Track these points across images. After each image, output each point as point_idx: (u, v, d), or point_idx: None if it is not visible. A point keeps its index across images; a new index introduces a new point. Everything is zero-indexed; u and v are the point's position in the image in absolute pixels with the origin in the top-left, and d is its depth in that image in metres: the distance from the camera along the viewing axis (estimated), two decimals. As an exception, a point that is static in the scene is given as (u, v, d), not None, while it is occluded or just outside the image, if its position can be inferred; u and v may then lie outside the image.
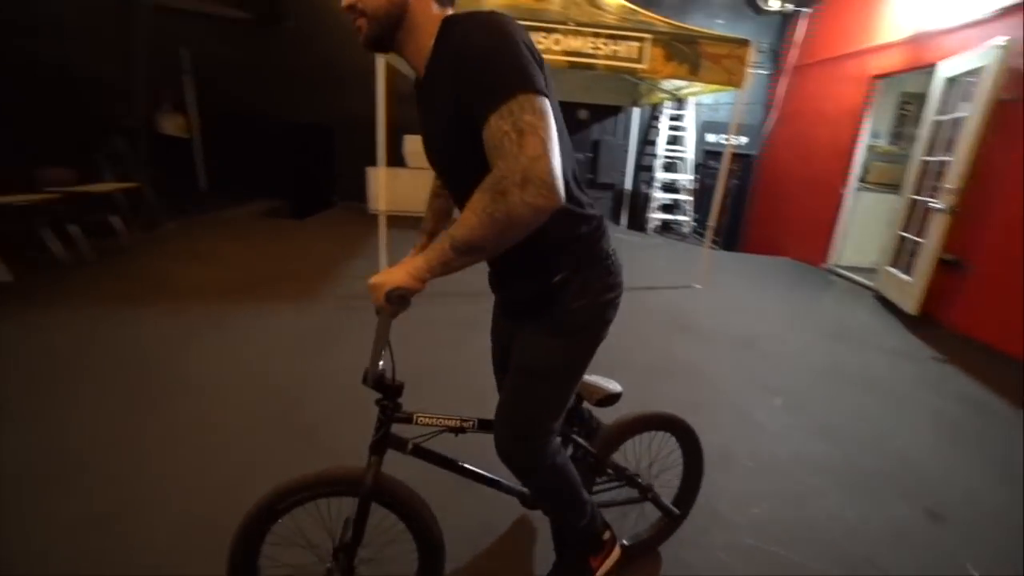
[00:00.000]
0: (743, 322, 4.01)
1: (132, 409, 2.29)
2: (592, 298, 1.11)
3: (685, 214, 7.75)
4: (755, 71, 6.22)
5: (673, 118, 7.56)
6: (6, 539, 1.58)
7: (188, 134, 6.02)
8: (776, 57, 7.37)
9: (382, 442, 1.15)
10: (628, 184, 8.06)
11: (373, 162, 7.43)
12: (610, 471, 1.50)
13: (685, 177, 7.63)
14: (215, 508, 1.60)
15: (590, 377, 1.39)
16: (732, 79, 4.16)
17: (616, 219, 8.17)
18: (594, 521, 1.36)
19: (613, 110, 7.76)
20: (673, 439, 1.59)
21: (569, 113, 7.62)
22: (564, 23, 3.92)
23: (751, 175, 7.82)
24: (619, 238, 7.23)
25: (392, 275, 0.89)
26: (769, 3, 6.97)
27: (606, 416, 1.50)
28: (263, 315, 3.48)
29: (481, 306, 1.66)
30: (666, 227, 7.99)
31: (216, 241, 5.25)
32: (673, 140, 7.61)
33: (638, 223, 7.98)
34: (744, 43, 4.08)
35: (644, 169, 7.96)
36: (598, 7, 4.42)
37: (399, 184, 7.58)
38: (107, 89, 4.82)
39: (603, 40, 3.97)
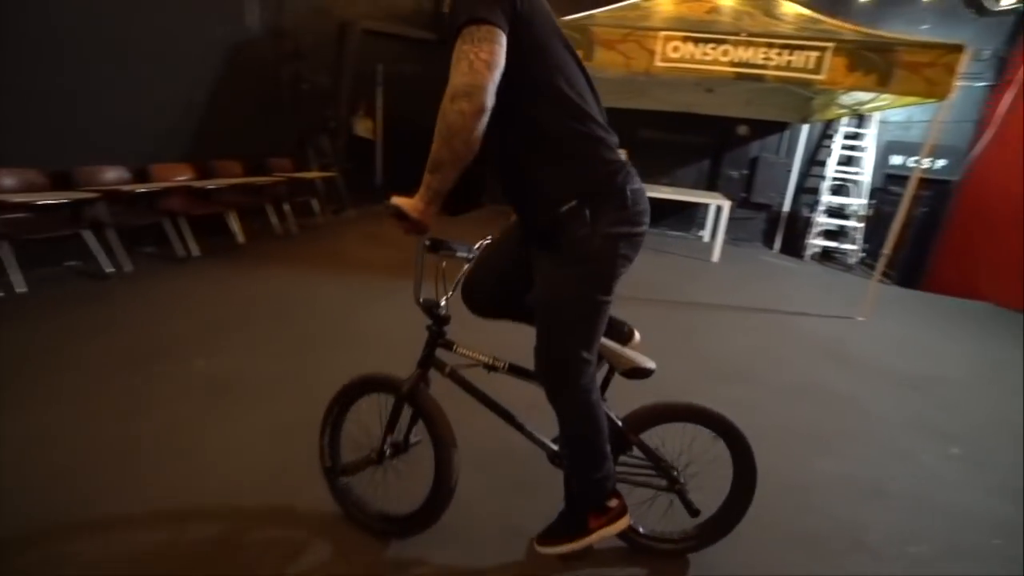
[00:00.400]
0: (914, 362, 3.51)
1: (315, 347, 2.83)
2: (602, 228, 1.13)
3: (853, 242, 6.91)
4: (967, 83, 5.37)
5: (849, 136, 6.82)
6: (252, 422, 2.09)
7: (373, 136, 7.03)
8: (1002, 66, 6.22)
9: (426, 360, 1.44)
10: (786, 206, 7.44)
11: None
12: (637, 451, 1.47)
13: (857, 202, 6.82)
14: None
15: (625, 350, 1.39)
16: (934, 90, 3.67)
17: (769, 243, 7.59)
18: (606, 481, 1.35)
19: (778, 126, 7.25)
20: (722, 443, 1.46)
21: (728, 128, 7.32)
22: (736, 34, 3.84)
23: (946, 204, 6.69)
24: (770, 262, 6.72)
25: (402, 199, 1.12)
26: (1001, 1, 5.93)
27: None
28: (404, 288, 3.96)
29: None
30: (827, 255, 7.21)
31: (387, 228, 6.06)
32: (847, 161, 6.86)
33: (794, 248, 7.31)
34: (957, 49, 3.58)
35: (807, 191, 7.29)
36: (774, 16, 4.25)
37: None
38: (323, 97, 5.86)
39: (776, 50, 3.81)
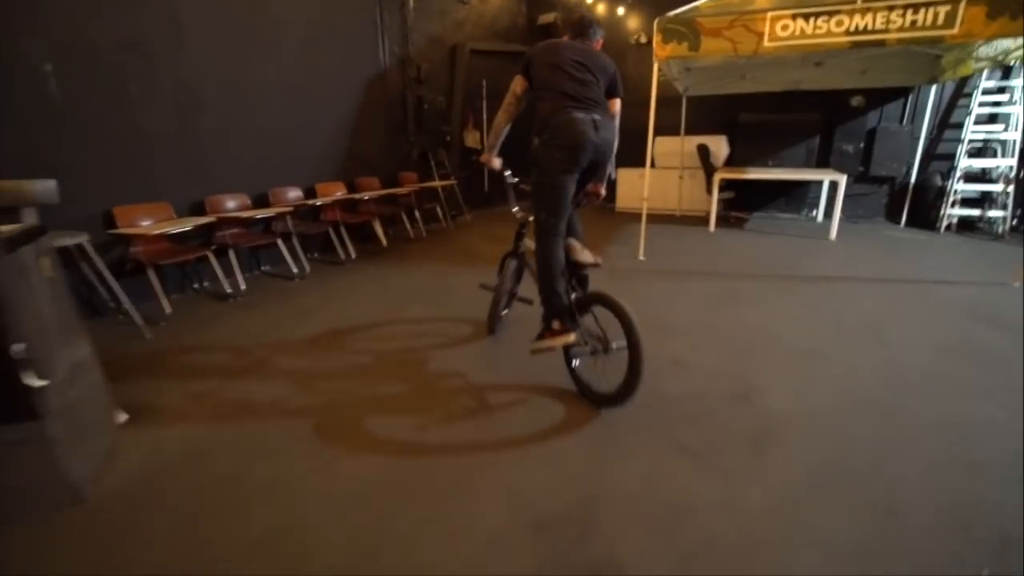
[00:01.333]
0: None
1: (479, 321, 3.31)
2: (542, 146, 2.20)
3: (1001, 208, 6.26)
4: None
5: (990, 91, 6.22)
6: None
7: (480, 146, 7.64)
8: None
9: (516, 244, 2.99)
10: (912, 177, 6.91)
11: (619, 165, 8.21)
12: (579, 317, 2.34)
13: (1006, 163, 6.18)
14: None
15: (580, 249, 2.38)
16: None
17: (893, 217, 7.09)
18: (554, 309, 2.30)
19: (899, 92, 6.79)
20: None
21: (839, 101, 6.98)
22: (852, 2, 3.82)
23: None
24: (897, 236, 6.30)
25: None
26: None
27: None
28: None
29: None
30: (966, 225, 6.58)
31: (501, 228, 6.61)
32: (989, 119, 6.26)
33: (925, 221, 6.76)
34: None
35: (939, 158, 6.73)
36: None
37: (645, 183, 8.09)
38: (439, 114, 6.54)
39: (898, 11, 3.73)
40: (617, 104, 2.45)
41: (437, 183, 6.28)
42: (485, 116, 7.63)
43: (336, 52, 5.17)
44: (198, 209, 4.00)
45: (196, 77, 3.90)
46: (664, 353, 2.85)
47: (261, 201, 4.46)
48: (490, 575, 1.44)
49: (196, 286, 4.12)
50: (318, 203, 4.69)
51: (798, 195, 7.55)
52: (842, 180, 5.96)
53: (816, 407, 2.30)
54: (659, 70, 5.75)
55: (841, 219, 6.18)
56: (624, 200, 8.31)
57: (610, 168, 2.42)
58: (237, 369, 2.72)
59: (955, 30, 3.64)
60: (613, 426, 2.16)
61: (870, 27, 3.83)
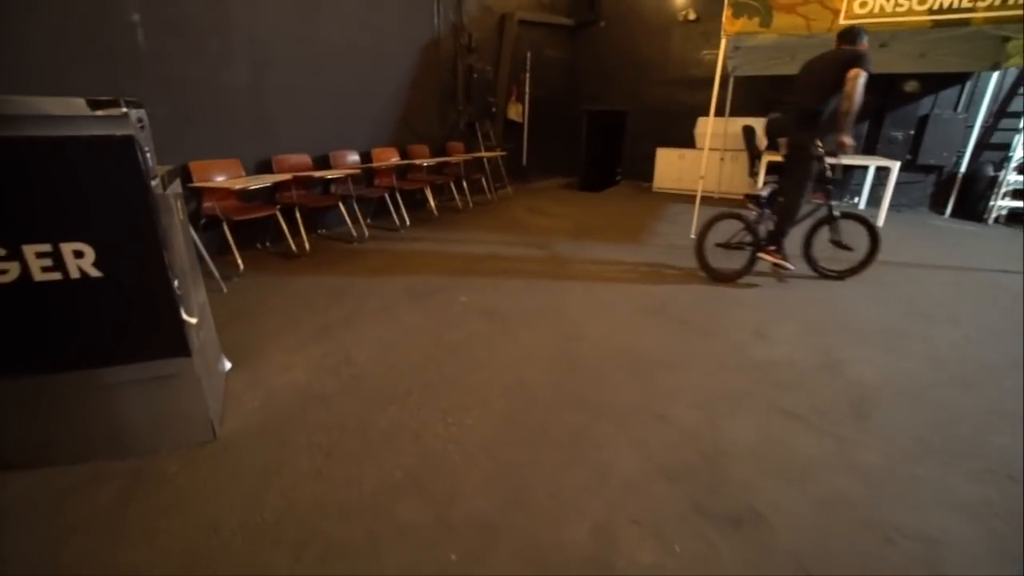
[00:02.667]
0: None
1: (540, 288, 3.34)
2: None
3: (1052, 202, 6.16)
4: None
5: (1051, 82, 6.06)
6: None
7: (521, 119, 7.57)
8: None
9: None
10: (963, 166, 6.80)
11: (658, 144, 8.14)
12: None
13: (1060, 155, 6.05)
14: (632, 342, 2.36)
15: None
16: None
17: (939, 207, 7.00)
18: (781, 237, 3.53)
19: (957, 78, 6.63)
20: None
21: (891, 85, 6.84)
22: (939, -23, 3.71)
23: None
24: (944, 226, 6.23)
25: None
26: None
27: None
28: (609, 249, 4.39)
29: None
30: (1014, 218, 6.49)
31: (543, 202, 6.61)
32: (1048, 110, 6.11)
33: (972, 212, 6.67)
34: None
35: (992, 148, 6.60)
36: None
37: (684, 164, 8.04)
38: (487, 84, 6.48)
39: (988, -12, 3.62)
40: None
41: (486, 154, 6.25)
42: (528, 88, 7.54)
43: (395, 15, 5.11)
44: (264, 167, 4.03)
45: (268, 33, 3.88)
46: (743, 325, 2.88)
47: (322, 163, 4.48)
48: (635, 516, 1.49)
49: (259, 245, 4.17)
50: (379, 167, 4.69)
51: (840, 182, 7.45)
52: (895, 167, 5.87)
53: (907, 379, 2.33)
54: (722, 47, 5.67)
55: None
56: (661, 180, 8.24)
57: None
58: (324, 323, 2.77)
59: (1047, 10, 3.54)
60: (714, 390, 2.20)
61: (955, 4, 3.72)
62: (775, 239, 3.56)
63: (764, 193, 3.67)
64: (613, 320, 2.92)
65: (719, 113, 7.59)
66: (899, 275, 3.97)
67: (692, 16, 7.74)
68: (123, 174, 1.40)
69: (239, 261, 3.51)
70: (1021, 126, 6.23)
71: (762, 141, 7.22)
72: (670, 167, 8.09)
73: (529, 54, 7.44)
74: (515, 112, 7.43)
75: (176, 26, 3.31)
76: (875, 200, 6.86)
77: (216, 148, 3.67)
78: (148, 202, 1.44)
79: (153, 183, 1.48)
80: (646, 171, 8.45)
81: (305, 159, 4.30)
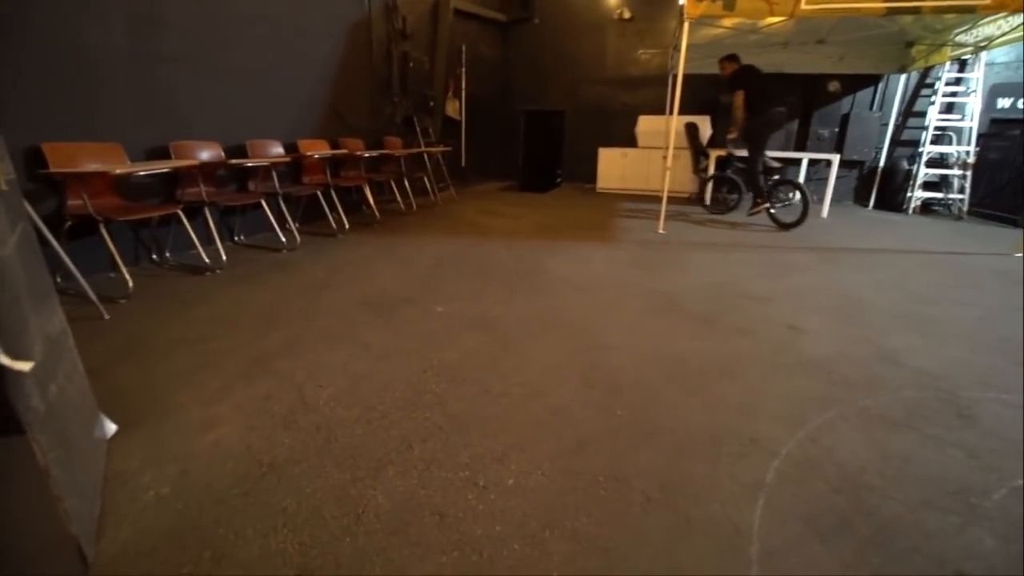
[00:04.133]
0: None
1: (522, 292, 2.78)
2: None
3: (959, 191, 6.68)
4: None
5: (951, 82, 6.60)
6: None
7: (459, 117, 7.01)
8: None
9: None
10: (881, 160, 7.23)
11: (598, 144, 7.94)
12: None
13: (962, 149, 6.59)
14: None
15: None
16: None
17: (862, 200, 7.39)
18: (761, 189, 5.09)
19: (870, 80, 7.06)
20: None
21: (817, 86, 7.16)
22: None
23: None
24: (874, 216, 6.53)
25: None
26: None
27: None
28: (581, 248, 3.92)
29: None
30: (927, 208, 6.98)
31: (490, 203, 6.06)
32: (947, 108, 6.64)
33: (891, 203, 7.09)
34: None
35: (904, 144, 7.08)
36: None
37: (628, 163, 7.88)
38: (424, 76, 5.85)
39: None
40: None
41: (430, 149, 5.60)
42: (464, 84, 7.00)
43: None
44: (159, 157, 3.11)
45: (154, -17, 3.00)
46: (771, 319, 2.51)
47: (237, 154, 3.60)
48: None
49: (155, 257, 3.21)
50: (309, 158, 3.88)
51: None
52: (835, 160, 6.05)
53: (968, 367, 2.04)
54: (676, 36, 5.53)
55: (813, 200, 6.28)
56: (605, 180, 8.02)
57: None
58: (258, 353, 2.01)
59: (989, 0, 3.63)
60: (790, 398, 1.76)
61: (908, -7, 3.73)
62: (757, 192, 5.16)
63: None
64: (627, 323, 2.42)
65: (661, 111, 7.56)
66: (874, 260, 3.90)
67: (627, 15, 7.67)
68: None
69: (127, 278, 2.59)
70: (926, 124, 6.71)
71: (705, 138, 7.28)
72: (613, 166, 7.91)
73: (464, 47, 6.93)
74: (453, 109, 6.87)
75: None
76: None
77: (86, 129, 2.73)
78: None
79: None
80: (586, 172, 8.22)
81: (215, 148, 3.41)
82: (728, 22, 5.33)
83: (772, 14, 4.11)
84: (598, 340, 2.22)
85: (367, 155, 4.44)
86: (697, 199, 7.20)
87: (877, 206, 7.28)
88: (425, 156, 5.73)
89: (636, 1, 7.65)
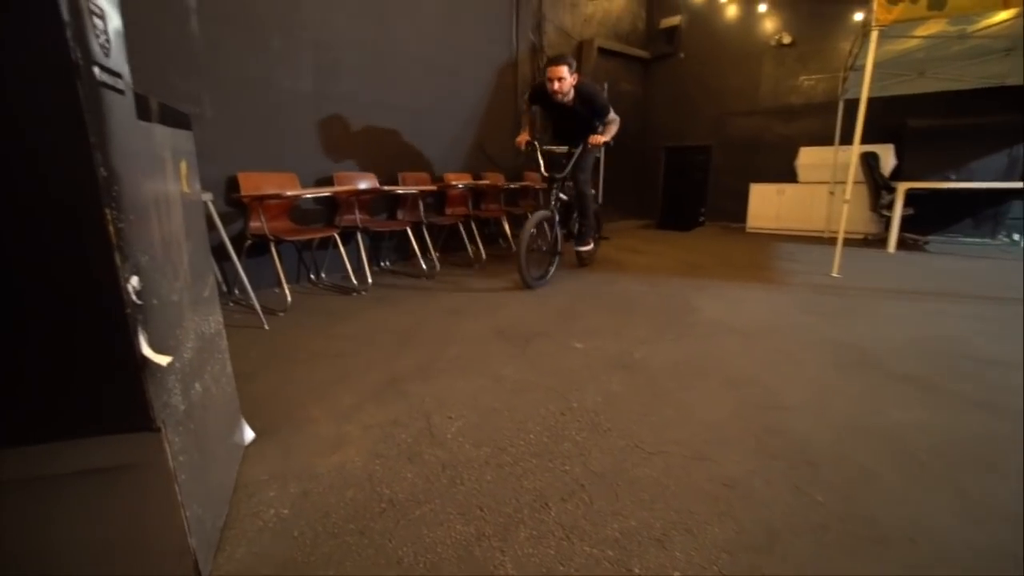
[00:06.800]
0: None
1: (661, 334, 2.39)
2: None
3: None
4: None
5: None
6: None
7: (598, 153, 6.89)
8: None
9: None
10: None
11: (748, 180, 7.22)
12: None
13: None
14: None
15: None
16: None
17: None
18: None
19: None
20: None
21: None
22: None
23: None
24: None
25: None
26: None
27: None
28: (737, 288, 3.42)
29: None
30: None
31: (630, 240, 5.75)
32: None
33: None
34: None
35: None
36: None
37: (785, 200, 7.02)
38: (565, 113, 5.86)
39: None
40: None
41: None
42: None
43: (471, 32, 4.63)
44: (324, 186, 3.42)
45: (336, 36, 3.39)
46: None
47: (390, 184, 3.85)
48: None
49: (312, 277, 3.49)
50: (455, 188, 4.01)
51: (989, 215, 6.20)
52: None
53: None
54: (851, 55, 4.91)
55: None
56: (757, 219, 7.23)
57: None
58: (390, 375, 1.95)
59: None
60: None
61: None
62: None
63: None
64: (808, 379, 1.93)
65: (824, 142, 6.66)
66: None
67: (787, 40, 7.01)
68: (23, 40, 0.65)
69: (287, 294, 2.81)
70: None
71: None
72: (766, 204, 7.11)
73: (606, 85, 6.86)
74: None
75: (235, 17, 2.83)
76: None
77: (270, 160, 3.10)
78: (77, 106, 0.68)
79: (103, 75, 0.73)
80: (734, 210, 7.51)
81: (371, 178, 3.68)
82: (927, 29, 4.47)
83: (1007, 6, 3.31)
84: (772, 397, 1.77)
85: (508, 186, 4.46)
86: (876, 240, 6.13)
87: None
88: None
89: (798, 24, 6.97)
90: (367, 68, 3.63)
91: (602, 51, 6.66)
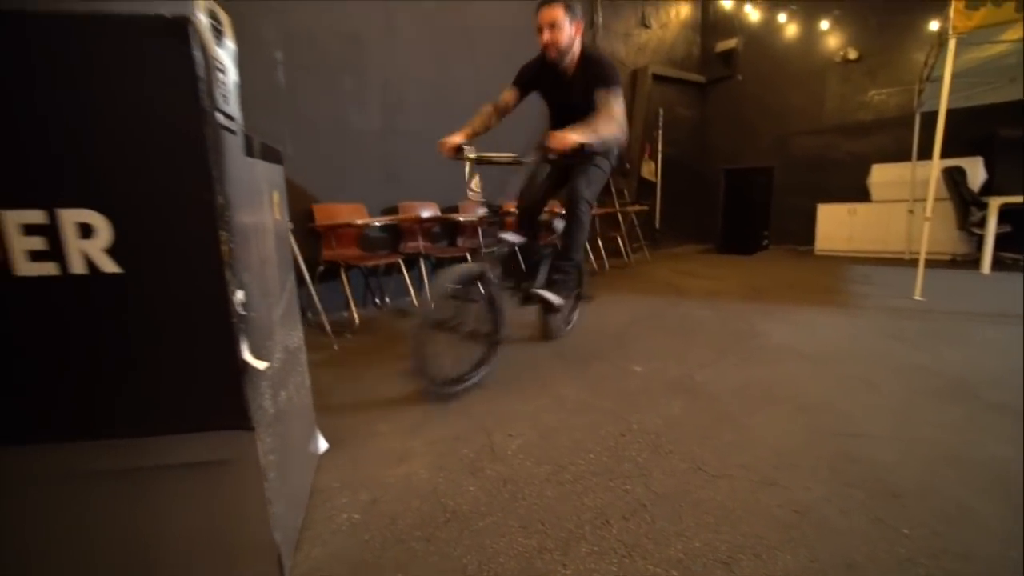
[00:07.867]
0: None
1: (728, 357, 2.30)
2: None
3: None
4: None
5: None
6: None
7: (655, 178, 6.85)
8: None
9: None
10: None
11: (814, 200, 6.89)
12: None
13: None
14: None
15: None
16: None
17: None
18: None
19: None
20: None
21: None
22: None
23: None
24: None
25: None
26: None
27: None
28: (805, 313, 3.26)
29: None
30: None
31: (688, 264, 5.64)
32: None
33: None
34: None
35: None
36: None
37: (856, 220, 6.64)
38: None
39: None
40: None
41: (627, 208, 5.56)
42: (660, 146, 6.89)
43: (498, 50, 4.81)
44: (390, 214, 3.63)
45: (401, 75, 3.64)
46: None
47: (450, 213, 4.03)
48: None
49: (377, 301, 3.68)
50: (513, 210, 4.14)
51: None
52: None
53: None
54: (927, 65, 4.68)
55: None
56: (826, 241, 6.85)
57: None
58: (457, 394, 2.01)
59: None
60: None
61: None
62: None
63: None
64: (890, 408, 1.80)
65: (898, 158, 6.28)
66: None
67: (852, 55, 6.75)
68: (166, 90, 0.79)
69: (355, 316, 2.98)
70: None
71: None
72: (837, 225, 6.74)
73: (661, 111, 6.88)
74: (648, 171, 6.77)
75: (313, 66, 3.13)
76: None
77: (342, 191, 3.34)
78: (203, 144, 0.81)
79: (223, 119, 0.86)
80: (800, 232, 7.16)
81: (433, 208, 3.86)
82: (1015, 33, 4.16)
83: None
84: (848, 424, 1.67)
85: (560, 210, 4.54)
86: (967, 261, 5.65)
87: None
88: (619, 216, 5.68)
89: (865, 38, 6.71)
90: (429, 105, 3.87)
91: (657, 77, 6.70)
